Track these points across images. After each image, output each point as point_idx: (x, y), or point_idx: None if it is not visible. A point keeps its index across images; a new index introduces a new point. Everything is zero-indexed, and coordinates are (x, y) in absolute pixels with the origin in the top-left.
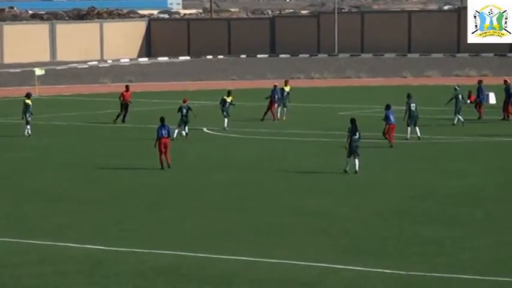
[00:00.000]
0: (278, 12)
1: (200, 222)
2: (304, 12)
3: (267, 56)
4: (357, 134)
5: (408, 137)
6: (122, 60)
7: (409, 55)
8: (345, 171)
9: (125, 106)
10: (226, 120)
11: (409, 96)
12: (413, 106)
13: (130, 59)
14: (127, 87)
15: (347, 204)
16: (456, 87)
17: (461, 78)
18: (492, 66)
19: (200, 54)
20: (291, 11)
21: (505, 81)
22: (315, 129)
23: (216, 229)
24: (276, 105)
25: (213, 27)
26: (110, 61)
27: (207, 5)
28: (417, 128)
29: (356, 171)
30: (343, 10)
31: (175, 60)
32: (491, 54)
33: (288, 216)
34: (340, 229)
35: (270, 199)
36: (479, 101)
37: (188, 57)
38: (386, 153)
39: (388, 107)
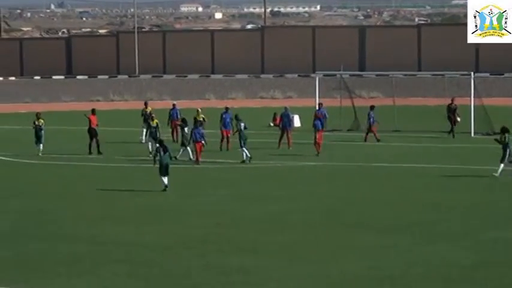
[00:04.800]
0: (74, 31)
1: None
2: (102, 31)
3: (63, 77)
4: (167, 152)
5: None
6: None
7: (213, 76)
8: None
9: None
10: (41, 146)
11: (236, 117)
12: (243, 126)
13: None
14: (93, 110)
15: (150, 231)
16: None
17: (267, 100)
18: (297, 88)
19: None
20: (89, 29)
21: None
22: (117, 153)
23: (9, 259)
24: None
25: (3, 48)
26: None
27: None
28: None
29: (165, 189)
30: (143, 29)
31: None
32: (296, 75)
33: (86, 244)
34: (142, 258)
35: (67, 227)
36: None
37: None
38: (190, 177)
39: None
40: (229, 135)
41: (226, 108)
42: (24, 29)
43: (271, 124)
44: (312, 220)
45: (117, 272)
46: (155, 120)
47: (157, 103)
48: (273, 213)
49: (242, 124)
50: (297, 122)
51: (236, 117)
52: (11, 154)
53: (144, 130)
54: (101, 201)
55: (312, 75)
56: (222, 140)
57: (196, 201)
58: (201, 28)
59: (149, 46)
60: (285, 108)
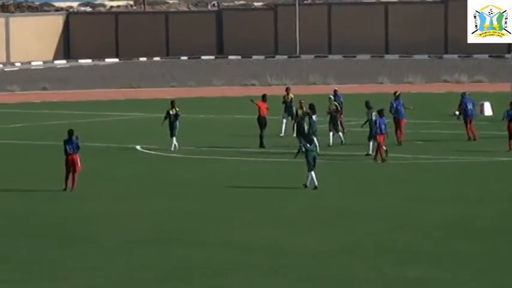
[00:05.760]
0: (226, 4)
1: (133, 259)
2: (258, 4)
3: (213, 57)
4: (312, 143)
5: (370, 152)
6: (33, 64)
7: (387, 56)
8: (305, 186)
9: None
10: (174, 139)
11: (368, 104)
12: (374, 115)
13: (44, 62)
14: (264, 96)
15: (311, 237)
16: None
17: (451, 85)
18: (487, 71)
19: (131, 55)
20: (242, 2)
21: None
22: (272, 146)
23: (153, 268)
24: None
25: (146, 23)
26: (18, 64)
27: None
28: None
29: (316, 187)
30: (305, 1)
31: (100, 63)
32: (486, 56)
33: (238, 252)
34: (301, 269)
35: (216, 231)
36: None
37: (116, 60)
38: (358, 174)
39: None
40: (403, 125)
41: (396, 94)
42: (170, 1)
43: (457, 113)
44: (505, 225)
45: (275, 283)
46: (304, 108)
47: (321, 87)
48: (456, 217)
49: (373, 114)
50: (488, 110)
51: (367, 104)
52: (154, 147)
53: (284, 121)
54: (254, 201)
55: (507, 55)
56: (396, 131)
57: (362, 203)
58: (373, 0)
59: (312, 21)
60: (463, 93)
